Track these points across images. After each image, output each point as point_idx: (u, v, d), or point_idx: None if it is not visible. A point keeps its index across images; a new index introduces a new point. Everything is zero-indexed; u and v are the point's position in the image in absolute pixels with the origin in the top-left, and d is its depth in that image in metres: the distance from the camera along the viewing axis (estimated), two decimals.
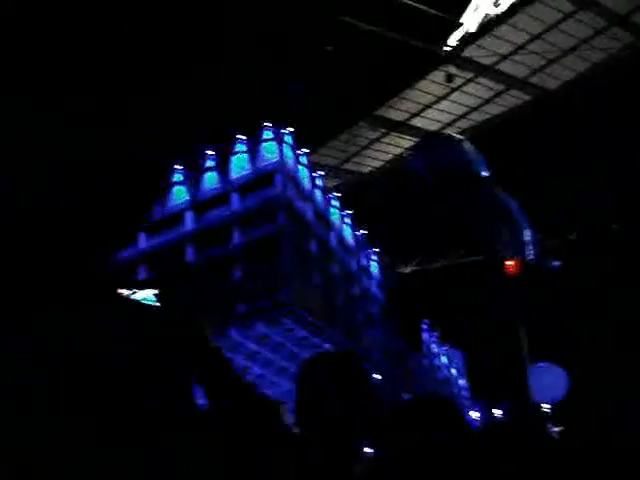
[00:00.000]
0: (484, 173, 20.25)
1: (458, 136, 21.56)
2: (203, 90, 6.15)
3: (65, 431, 2.92)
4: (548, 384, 12.73)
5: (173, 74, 5.86)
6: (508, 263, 19.54)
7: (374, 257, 27.93)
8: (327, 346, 20.92)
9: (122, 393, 2.81)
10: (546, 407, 12.65)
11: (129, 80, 5.74)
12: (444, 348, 34.97)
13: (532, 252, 20.41)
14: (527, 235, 20.73)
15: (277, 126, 21.99)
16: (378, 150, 26.10)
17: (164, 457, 2.83)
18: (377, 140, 25.46)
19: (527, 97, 23.50)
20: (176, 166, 21.54)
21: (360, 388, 2.45)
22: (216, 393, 2.53)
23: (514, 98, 23.46)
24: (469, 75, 22.36)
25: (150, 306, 2.91)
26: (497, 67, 22.20)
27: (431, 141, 21.62)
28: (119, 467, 2.82)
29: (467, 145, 20.69)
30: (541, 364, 13.84)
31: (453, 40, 20.01)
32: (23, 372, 3.02)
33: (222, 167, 22.99)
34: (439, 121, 23.69)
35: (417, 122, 23.14)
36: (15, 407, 2.87)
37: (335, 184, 27.05)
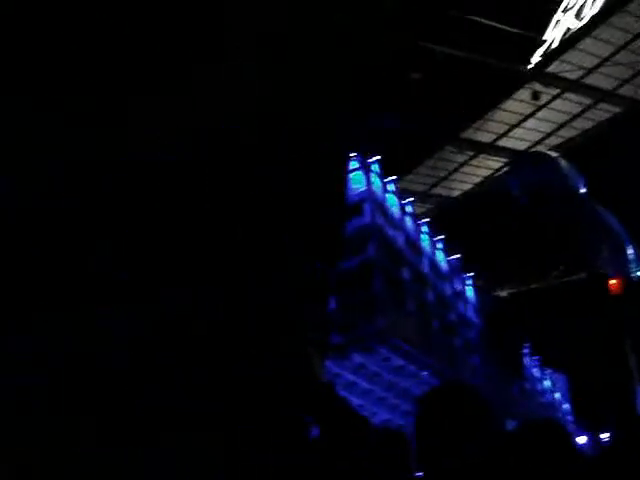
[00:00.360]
0: (582, 190, 20.04)
1: (552, 153, 21.37)
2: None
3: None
4: None
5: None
6: (611, 282, 19.22)
7: (469, 282, 27.71)
8: (425, 374, 20.87)
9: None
10: None
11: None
12: (546, 372, 34.50)
13: (635, 269, 20.09)
14: (629, 252, 20.38)
15: (363, 155, 21.88)
16: (466, 173, 25.98)
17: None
18: (465, 163, 25.32)
19: (617, 109, 23.15)
20: None
21: (480, 422, 2.44)
22: (330, 426, 2.52)
23: (603, 111, 23.18)
24: (555, 91, 22.06)
25: None
26: (583, 81, 21.91)
27: (525, 161, 21.43)
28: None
29: (562, 162, 20.47)
30: None
31: (537, 57, 19.80)
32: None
33: None
34: (527, 140, 23.49)
35: (505, 143, 22.97)
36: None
37: (424, 210, 26.94)
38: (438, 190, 26.16)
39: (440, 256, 26.63)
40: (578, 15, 18.96)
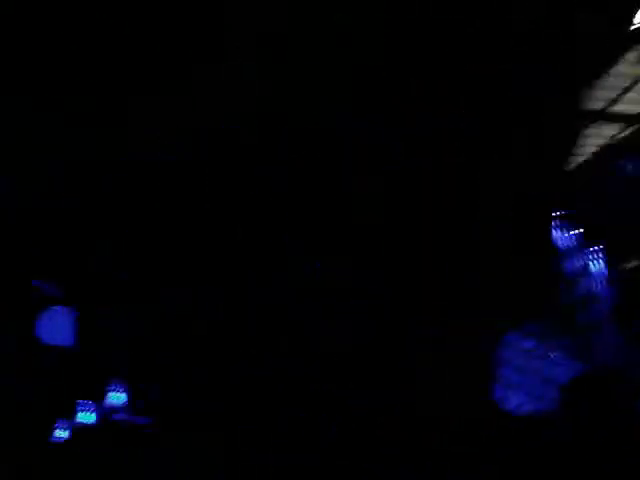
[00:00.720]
0: None
1: None
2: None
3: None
4: None
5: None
6: None
7: (595, 256, 27.03)
8: (556, 356, 20.40)
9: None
10: None
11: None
12: None
13: None
14: None
15: None
16: (580, 145, 25.29)
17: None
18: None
19: None
20: None
21: (624, 405, 2.39)
22: None
23: None
24: None
25: None
26: None
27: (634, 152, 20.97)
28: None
29: None
30: None
31: None
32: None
33: None
34: None
35: (618, 108, 22.30)
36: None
37: None
38: None
39: (563, 230, 26.07)
40: None
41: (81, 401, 4.90)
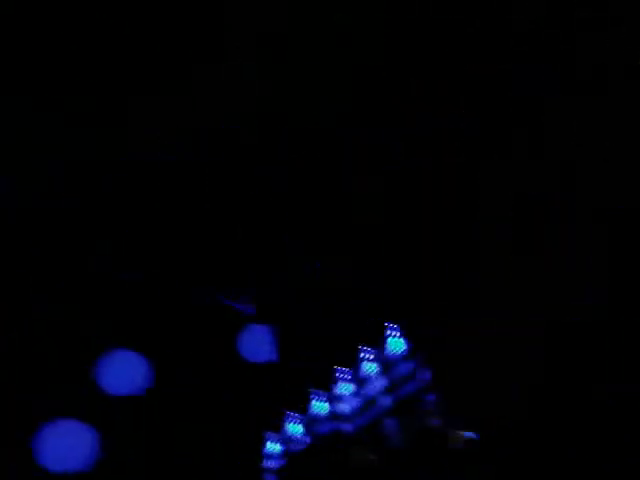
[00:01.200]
0: None
1: None
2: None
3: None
4: None
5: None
6: None
7: None
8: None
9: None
10: None
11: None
12: None
13: None
14: None
15: None
16: None
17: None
18: None
19: None
20: None
21: None
22: None
23: None
24: None
25: None
26: None
27: None
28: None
29: None
30: None
31: None
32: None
33: None
34: None
35: None
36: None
37: None
38: None
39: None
40: None
41: (288, 412, 4.92)
